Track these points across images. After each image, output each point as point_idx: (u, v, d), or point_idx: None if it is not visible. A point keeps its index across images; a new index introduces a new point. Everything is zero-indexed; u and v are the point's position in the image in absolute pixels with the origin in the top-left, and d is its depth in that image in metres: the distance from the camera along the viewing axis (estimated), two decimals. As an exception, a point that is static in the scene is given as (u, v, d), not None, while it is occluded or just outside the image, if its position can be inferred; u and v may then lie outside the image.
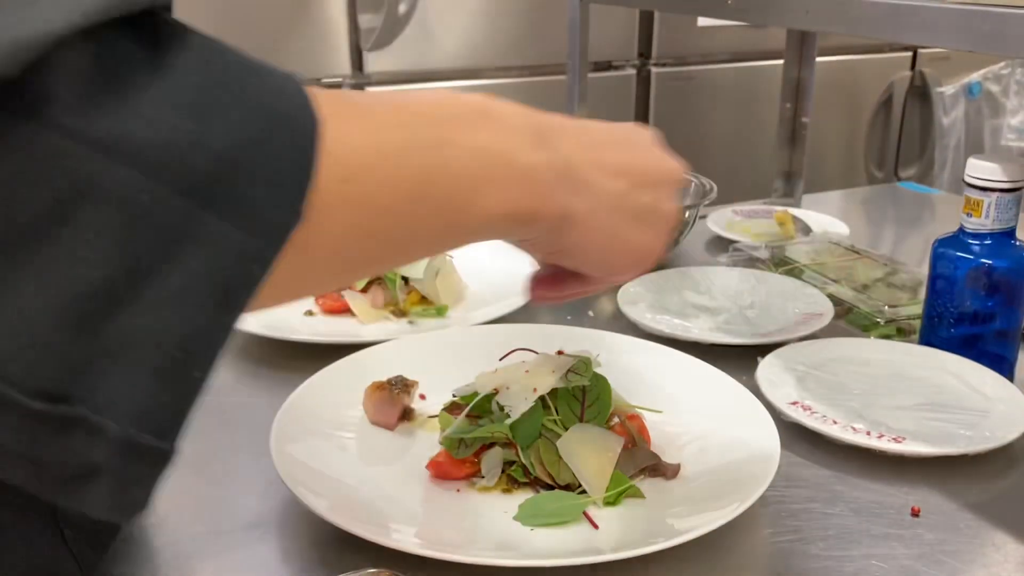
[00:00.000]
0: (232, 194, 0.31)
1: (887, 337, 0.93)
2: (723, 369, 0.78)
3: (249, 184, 0.31)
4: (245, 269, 0.32)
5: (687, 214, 1.10)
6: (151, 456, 0.32)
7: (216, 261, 0.31)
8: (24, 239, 0.28)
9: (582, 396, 0.68)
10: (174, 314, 0.31)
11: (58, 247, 0.29)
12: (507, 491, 0.66)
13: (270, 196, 0.32)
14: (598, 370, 0.69)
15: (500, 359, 0.75)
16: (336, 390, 0.76)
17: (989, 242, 0.80)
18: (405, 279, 0.97)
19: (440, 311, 0.97)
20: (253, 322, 0.92)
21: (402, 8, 1.88)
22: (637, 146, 0.51)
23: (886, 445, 0.70)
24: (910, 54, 2.48)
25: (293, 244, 0.33)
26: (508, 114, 0.43)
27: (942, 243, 0.83)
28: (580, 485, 0.65)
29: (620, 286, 1.00)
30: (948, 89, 2.27)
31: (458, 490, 0.67)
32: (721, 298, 1.01)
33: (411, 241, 0.41)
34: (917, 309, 0.93)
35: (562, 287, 0.55)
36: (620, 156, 0.49)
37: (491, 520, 0.63)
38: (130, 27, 0.31)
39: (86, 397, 0.29)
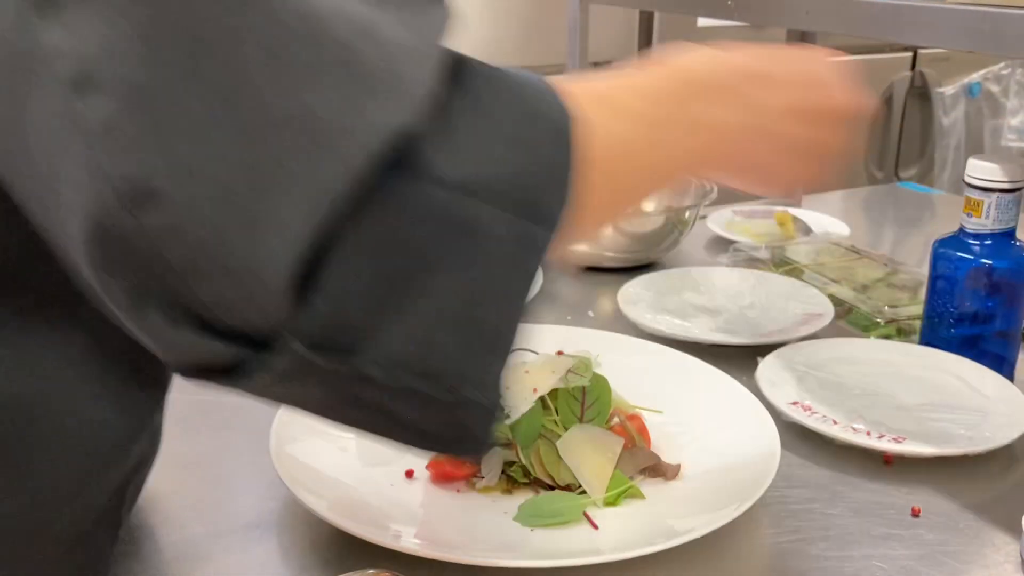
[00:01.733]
0: (539, 204, 0.39)
1: (887, 337, 0.93)
2: (723, 369, 0.78)
3: (548, 193, 0.40)
4: (542, 255, 0.40)
5: (687, 214, 1.10)
6: (493, 411, 0.41)
7: (529, 255, 0.39)
8: (415, 271, 0.36)
9: (582, 396, 0.68)
10: (508, 303, 0.40)
11: (443, 271, 0.37)
12: (507, 491, 0.66)
13: (559, 197, 0.40)
14: (598, 370, 0.69)
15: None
16: (336, 390, 0.76)
17: (989, 242, 0.80)
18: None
19: (440, 311, 0.97)
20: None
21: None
22: (816, 83, 0.56)
23: (886, 445, 0.70)
24: (910, 54, 2.48)
25: (569, 223, 0.41)
26: (716, 77, 0.51)
27: (942, 243, 0.83)
28: (580, 485, 0.65)
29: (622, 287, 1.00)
30: (948, 89, 2.27)
31: (458, 490, 0.67)
32: (721, 298, 1.01)
33: (644, 195, 0.57)
34: (917, 309, 0.93)
35: None
36: (799, 101, 0.54)
37: (491, 520, 0.63)
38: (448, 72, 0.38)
39: (461, 378, 0.39)
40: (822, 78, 0.57)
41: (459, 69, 0.39)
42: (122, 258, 0.32)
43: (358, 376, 0.37)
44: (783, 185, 0.59)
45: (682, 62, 0.50)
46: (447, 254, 0.37)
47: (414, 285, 0.36)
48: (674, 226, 1.10)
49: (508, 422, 0.66)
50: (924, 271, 0.88)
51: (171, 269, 0.32)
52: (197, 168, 0.31)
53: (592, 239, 0.57)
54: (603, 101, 0.46)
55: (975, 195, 0.79)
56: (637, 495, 0.65)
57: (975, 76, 2.25)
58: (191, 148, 0.31)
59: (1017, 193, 0.78)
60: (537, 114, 0.41)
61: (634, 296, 0.99)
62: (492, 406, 0.41)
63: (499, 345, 0.40)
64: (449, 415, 0.40)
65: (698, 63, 0.51)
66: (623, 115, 0.47)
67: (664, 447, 0.70)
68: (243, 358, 0.35)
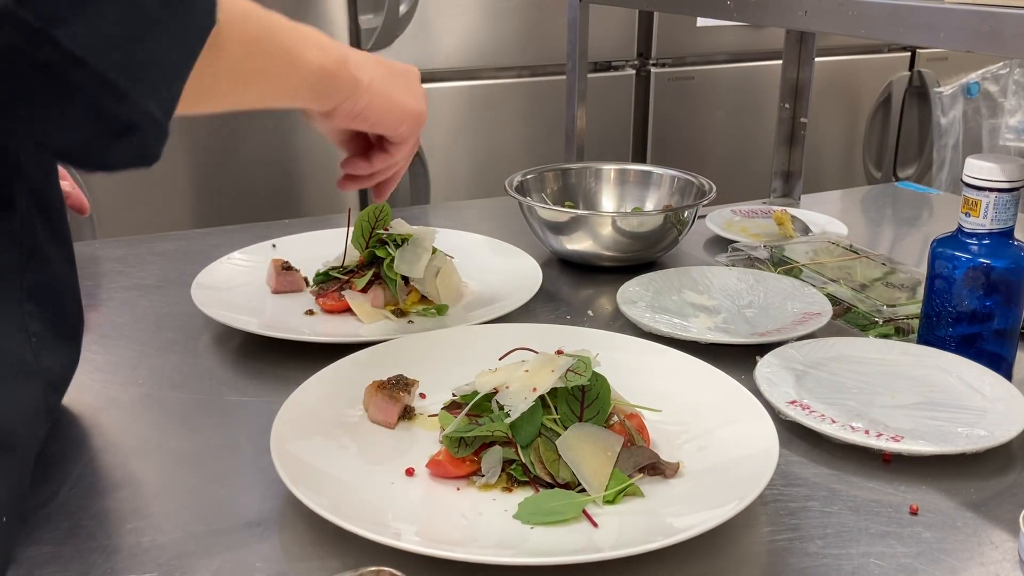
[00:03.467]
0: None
1: (885, 336, 0.93)
2: (722, 368, 0.79)
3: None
4: (195, 36, 0.51)
5: (686, 214, 1.10)
6: (161, 128, 0.50)
7: (180, 29, 0.49)
8: None
9: (581, 395, 0.68)
10: (171, 50, 0.49)
11: None
12: (507, 490, 0.66)
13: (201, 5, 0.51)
14: (597, 369, 0.69)
15: (500, 359, 0.75)
16: (336, 389, 0.76)
17: (987, 242, 0.80)
18: (406, 279, 0.97)
19: (440, 311, 0.97)
20: (254, 322, 0.92)
21: (402, 8, 1.88)
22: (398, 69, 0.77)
23: (884, 444, 0.71)
24: (908, 54, 2.49)
25: (212, 43, 0.52)
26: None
27: (940, 243, 0.83)
28: (579, 484, 0.65)
29: (619, 288, 1.00)
30: (946, 89, 2.27)
31: (458, 488, 0.67)
32: (720, 297, 1.02)
33: (270, 73, 0.62)
34: (915, 309, 0.93)
35: (370, 162, 0.80)
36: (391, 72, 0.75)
37: (491, 518, 0.63)
38: None
39: (137, 81, 0.47)
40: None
41: None
42: None
43: (47, 40, 0.43)
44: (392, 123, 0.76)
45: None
46: None
47: None
48: (673, 226, 1.10)
49: (508, 420, 0.66)
50: (922, 270, 0.88)
51: None
52: None
53: (233, 98, 0.63)
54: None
55: (973, 195, 0.79)
56: (636, 493, 0.65)
57: (973, 76, 2.25)
58: None
59: (1015, 193, 0.79)
60: None
61: (633, 295, 0.99)
62: (158, 119, 0.49)
63: (167, 76, 0.49)
64: (117, 109, 0.47)
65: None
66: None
67: (663, 445, 0.71)
68: None
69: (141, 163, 0.51)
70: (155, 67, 0.48)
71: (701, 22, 2.19)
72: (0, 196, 0.62)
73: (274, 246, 1.13)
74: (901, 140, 2.55)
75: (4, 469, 0.58)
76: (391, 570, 0.51)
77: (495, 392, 0.68)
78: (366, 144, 0.81)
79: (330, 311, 0.97)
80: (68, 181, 0.92)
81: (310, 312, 0.97)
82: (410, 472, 0.68)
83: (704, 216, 1.29)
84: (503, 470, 0.67)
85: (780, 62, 1.44)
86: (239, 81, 0.60)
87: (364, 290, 0.97)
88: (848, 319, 0.98)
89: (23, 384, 0.62)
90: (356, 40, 1.88)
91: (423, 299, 0.99)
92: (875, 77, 2.46)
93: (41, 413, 0.65)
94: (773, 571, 0.60)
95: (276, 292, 1.02)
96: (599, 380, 0.69)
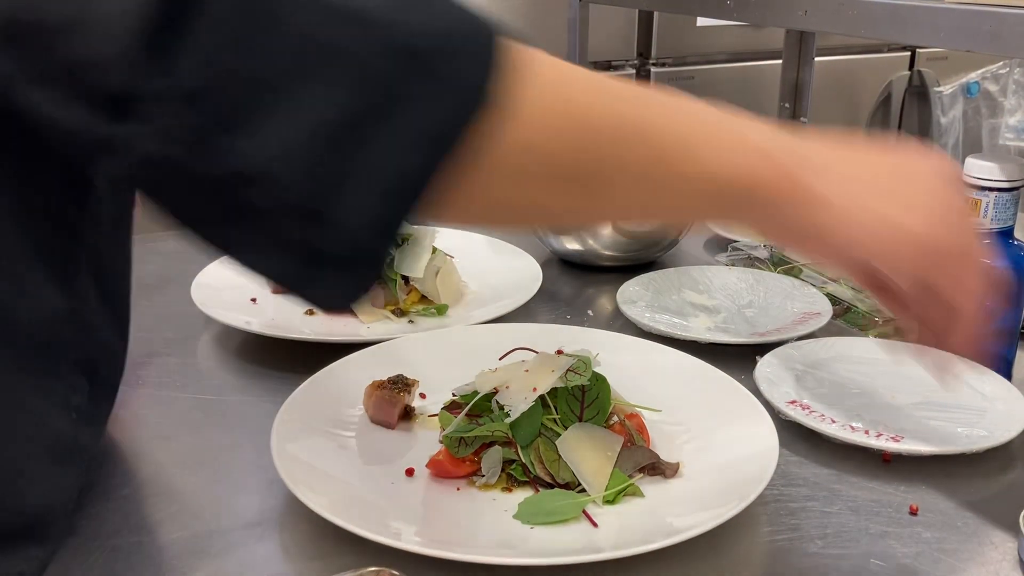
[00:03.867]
0: (443, 68, 0.37)
1: (885, 336, 0.93)
2: (722, 368, 0.79)
3: (456, 62, 0.38)
4: (447, 127, 0.38)
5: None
6: (373, 256, 0.40)
7: (427, 116, 0.37)
8: (291, 84, 0.36)
9: (581, 395, 0.68)
10: (398, 151, 0.37)
11: (316, 91, 0.36)
12: (507, 490, 0.66)
13: (471, 74, 0.38)
14: (597, 369, 0.69)
15: (500, 359, 0.75)
16: (337, 389, 0.76)
17: (987, 241, 0.80)
18: (406, 279, 0.97)
19: (440, 311, 0.97)
20: (254, 322, 0.92)
21: None
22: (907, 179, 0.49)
23: (884, 444, 0.71)
24: (908, 54, 2.49)
25: (487, 128, 0.38)
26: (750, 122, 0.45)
27: (940, 242, 0.83)
28: (579, 484, 0.65)
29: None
30: (946, 89, 2.27)
31: (458, 488, 0.67)
32: (720, 297, 1.02)
33: (615, 175, 0.42)
34: (915, 308, 0.93)
35: (899, 305, 0.54)
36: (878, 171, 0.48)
37: (491, 518, 0.63)
38: None
39: (337, 201, 0.37)
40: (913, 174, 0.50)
41: None
42: (12, 31, 0.35)
43: (220, 158, 0.36)
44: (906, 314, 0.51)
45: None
46: (311, 67, 0.36)
47: (275, 84, 0.36)
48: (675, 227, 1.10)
49: (508, 420, 0.66)
50: (922, 270, 0.88)
51: (48, 31, 0.35)
52: None
53: (534, 211, 0.45)
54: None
55: (973, 194, 0.79)
56: (636, 493, 0.65)
57: (973, 75, 2.25)
58: None
59: (1015, 192, 0.79)
60: (456, 4, 0.40)
61: (633, 295, 0.99)
62: (364, 245, 0.39)
63: (383, 187, 0.38)
64: (315, 236, 0.38)
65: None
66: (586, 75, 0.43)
67: (663, 445, 0.71)
68: (116, 132, 0.36)
69: (341, 302, 0.42)
70: (365, 179, 0.37)
71: (701, 22, 2.19)
72: (64, 273, 0.54)
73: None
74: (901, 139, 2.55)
75: (36, 561, 0.54)
76: (391, 571, 0.51)
77: (495, 392, 0.68)
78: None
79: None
80: None
81: (310, 312, 0.97)
82: (410, 472, 0.68)
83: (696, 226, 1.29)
84: (503, 470, 0.67)
85: (780, 62, 1.45)
86: (565, 189, 0.42)
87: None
88: (848, 319, 0.98)
89: (62, 468, 0.57)
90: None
91: (423, 299, 0.99)
92: (875, 77, 2.46)
93: (74, 496, 0.60)
94: (773, 571, 0.60)
95: (276, 292, 1.02)
96: (599, 380, 0.69)
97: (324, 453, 0.69)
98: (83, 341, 0.57)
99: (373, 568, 0.51)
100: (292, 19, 0.36)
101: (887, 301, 0.53)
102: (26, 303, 0.51)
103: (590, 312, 1.01)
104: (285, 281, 0.42)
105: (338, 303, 0.42)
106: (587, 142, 0.41)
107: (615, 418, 0.70)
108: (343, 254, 0.39)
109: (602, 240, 1.09)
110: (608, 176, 0.42)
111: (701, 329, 0.93)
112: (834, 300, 0.98)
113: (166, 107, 0.35)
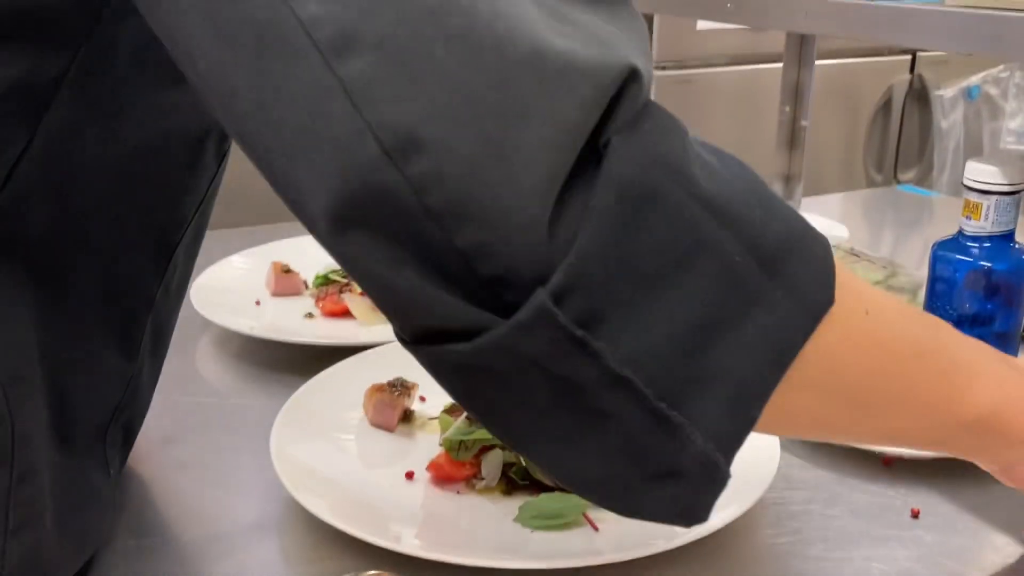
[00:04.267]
0: (787, 272, 0.37)
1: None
2: (723, 371, 0.78)
3: (799, 266, 0.37)
4: (792, 334, 0.37)
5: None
6: (718, 474, 0.37)
7: (774, 322, 0.36)
8: (660, 280, 0.34)
9: (582, 398, 0.68)
10: (747, 358, 0.36)
11: (684, 286, 0.34)
12: (507, 493, 0.66)
13: (812, 279, 0.38)
14: (598, 372, 0.69)
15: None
16: (336, 392, 0.76)
17: (988, 245, 0.80)
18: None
19: (440, 313, 0.97)
20: (254, 325, 0.92)
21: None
22: None
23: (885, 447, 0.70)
24: (909, 57, 2.49)
25: (818, 342, 0.38)
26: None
27: (941, 246, 0.83)
28: (580, 487, 0.65)
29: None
30: (947, 92, 2.27)
31: (458, 492, 0.67)
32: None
33: (900, 399, 0.43)
34: (916, 311, 0.93)
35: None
36: None
37: (491, 522, 0.63)
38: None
39: (689, 409, 0.35)
40: None
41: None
42: (381, 212, 0.33)
43: (588, 355, 0.34)
44: None
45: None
46: (684, 264, 0.34)
47: (652, 280, 0.34)
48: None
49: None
50: (923, 273, 0.88)
51: (432, 216, 0.33)
52: (453, 113, 0.33)
53: (830, 427, 0.45)
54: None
55: (974, 198, 0.79)
56: (637, 497, 0.65)
57: (974, 79, 2.25)
58: (447, 95, 0.33)
59: (1016, 196, 0.78)
60: (774, 194, 0.39)
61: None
62: (715, 463, 0.37)
63: (736, 398, 0.36)
64: (662, 449, 0.36)
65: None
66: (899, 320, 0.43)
67: (664, 449, 0.70)
68: (484, 322, 0.34)
69: (680, 520, 0.39)
70: (721, 388, 0.36)
71: (701, 25, 2.19)
72: (131, 342, 0.56)
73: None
74: (902, 143, 2.55)
75: None
76: (391, 574, 0.51)
77: (495, 395, 0.68)
78: None
79: (330, 314, 0.97)
80: None
81: (310, 315, 0.97)
82: (410, 475, 0.68)
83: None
84: (503, 473, 0.67)
85: (780, 65, 1.44)
86: (852, 406, 0.42)
87: (364, 293, 0.97)
88: (849, 322, 0.97)
89: (100, 523, 0.58)
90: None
91: (423, 302, 0.98)
92: (876, 80, 2.46)
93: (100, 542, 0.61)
94: (774, 574, 0.60)
95: (276, 295, 1.01)
96: (599, 383, 0.68)
97: (324, 456, 0.69)
98: (131, 404, 0.59)
99: (373, 572, 0.51)
100: (674, 205, 0.35)
101: None
102: (95, 371, 0.53)
103: (590, 315, 1.01)
104: (602, 492, 0.39)
105: (669, 520, 0.39)
106: (886, 362, 0.42)
107: (616, 421, 0.69)
108: (690, 471, 0.37)
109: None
110: (895, 396, 0.43)
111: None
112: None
113: (552, 291, 0.33)
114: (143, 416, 0.64)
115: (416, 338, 0.37)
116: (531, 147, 0.33)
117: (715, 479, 0.38)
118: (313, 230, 0.35)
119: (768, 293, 0.36)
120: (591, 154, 0.34)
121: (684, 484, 0.37)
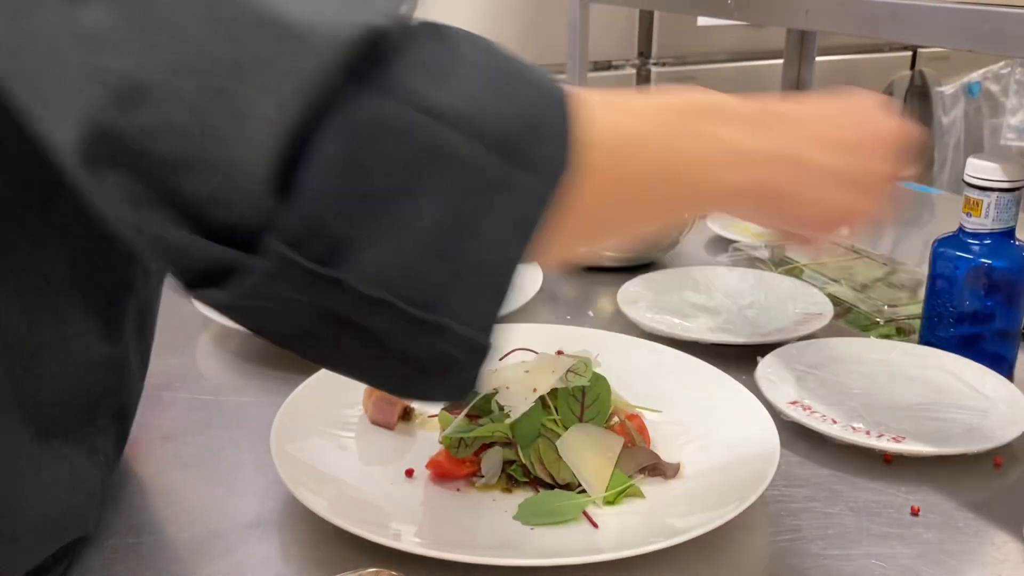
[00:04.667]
0: (524, 151, 0.39)
1: (887, 337, 0.93)
2: (723, 369, 0.78)
3: (535, 142, 0.39)
4: (539, 208, 0.39)
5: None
6: (483, 351, 0.40)
7: (520, 203, 0.39)
8: (392, 197, 0.37)
9: (582, 396, 0.68)
10: (496, 242, 0.39)
11: (421, 196, 0.37)
12: (507, 490, 0.66)
13: (551, 152, 0.40)
14: (598, 370, 0.69)
15: (500, 359, 0.75)
16: (336, 390, 0.76)
17: (989, 242, 0.80)
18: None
19: (440, 311, 0.97)
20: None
21: (403, 8, 1.88)
22: (851, 118, 0.55)
23: (886, 444, 0.70)
24: (910, 53, 2.48)
25: (569, 197, 0.40)
26: (733, 107, 0.49)
27: (942, 243, 0.83)
28: (580, 484, 0.65)
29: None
30: (948, 88, 2.27)
31: (458, 489, 0.67)
32: (721, 298, 1.01)
33: (657, 207, 0.49)
34: (917, 309, 0.93)
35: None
36: (831, 132, 0.53)
37: (491, 519, 0.63)
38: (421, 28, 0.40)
39: (445, 308, 0.38)
40: (858, 110, 0.56)
41: (436, 27, 0.41)
42: (116, 156, 0.35)
43: (339, 288, 0.37)
44: (827, 222, 0.56)
45: (698, 93, 0.49)
46: (417, 176, 0.37)
47: (386, 201, 0.37)
48: (674, 225, 1.10)
49: (508, 421, 0.66)
50: (923, 270, 0.88)
51: (163, 164, 0.35)
52: (182, 64, 0.35)
53: (599, 240, 0.55)
54: (609, 101, 0.45)
55: (974, 194, 0.79)
56: (637, 494, 0.65)
57: (975, 75, 2.24)
58: (177, 47, 0.35)
59: (1016, 192, 0.78)
60: (525, 76, 0.41)
61: (634, 295, 0.99)
62: (480, 344, 0.40)
63: (489, 284, 0.39)
64: (432, 347, 0.39)
65: (716, 95, 0.49)
66: (631, 114, 0.46)
67: (664, 446, 0.70)
68: (233, 262, 0.36)
69: (455, 396, 0.44)
70: (474, 279, 0.39)
71: (702, 21, 2.19)
72: (112, 322, 0.56)
73: None
74: (902, 140, 2.54)
75: None
76: (390, 571, 0.51)
77: (495, 392, 0.68)
78: None
79: (330, 311, 0.97)
80: None
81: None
82: (410, 473, 0.68)
83: (705, 215, 1.29)
84: (503, 471, 0.67)
85: (781, 61, 1.44)
86: (611, 222, 0.48)
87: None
88: (849, 319, 0.97)
89: (88, 511, 0.58)
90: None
91: (423, 299, 0.98)
92: (876, 76, 2.46)
93: (89, 530, 0.60)
94: (774, 572, 0.60)
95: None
96: (599, 381, 0.69)
97: (324, 454, 0.69)
98: (119, 389, 0.59)
99: (372, 569, 0.51)
100: (404, 132, 0.37)
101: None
102: (74, 354, 0.53)
103: (591, 312, 1.01)
104: (395, 390, 0.44)
105: (452, 399, 0.43)
106: (639, 190, 0.46)
107: (615, 419, 0.69)
108: (460, 357, 0.40)
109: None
110: (656, 204, 0.49)
111: (702, 330, 0.93)
112: (836, 301, 0.98)
113: (287, 239, 0.36)
114: (135, 403, 0.64)
115: (190, 283, 0.38)
116: (261, 102, 0.35)
117: (481, 355, 0.41)
118: (65, 172, 0.37)
119: (508, 177, 0.38)
120: (332, 107, 0.36)
121: (458, 368, 0.41)
